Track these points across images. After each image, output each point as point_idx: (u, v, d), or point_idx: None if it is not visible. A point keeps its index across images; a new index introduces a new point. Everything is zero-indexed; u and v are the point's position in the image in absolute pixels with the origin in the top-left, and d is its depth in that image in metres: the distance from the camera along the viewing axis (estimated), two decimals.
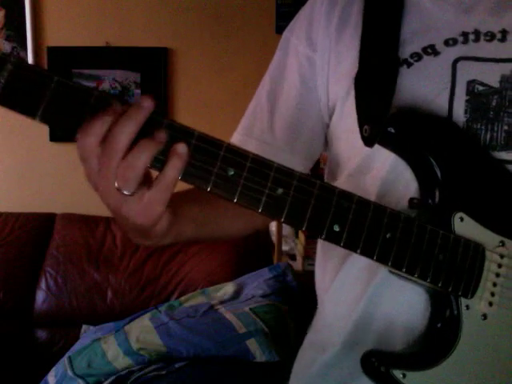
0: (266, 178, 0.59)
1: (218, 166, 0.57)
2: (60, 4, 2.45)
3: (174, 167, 0.55)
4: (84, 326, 2.08)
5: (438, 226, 0.66)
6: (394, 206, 0.67)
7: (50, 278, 2.18)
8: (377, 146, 0.68)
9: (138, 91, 2.45)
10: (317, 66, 0.79)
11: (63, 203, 2.47)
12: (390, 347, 0.73)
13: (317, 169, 0.99)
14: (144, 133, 0.54)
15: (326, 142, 0.84)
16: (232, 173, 0.58)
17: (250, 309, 1.72)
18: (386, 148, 0.69)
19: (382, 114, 0.68)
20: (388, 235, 0.64)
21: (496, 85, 0.70)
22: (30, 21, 2.41)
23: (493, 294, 0.69)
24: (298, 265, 2.31)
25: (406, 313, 0.72)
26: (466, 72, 0.71)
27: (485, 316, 0.69)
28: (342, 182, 0.79)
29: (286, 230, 2.45)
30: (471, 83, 0.71)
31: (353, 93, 0.73)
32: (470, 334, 0.68)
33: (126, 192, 0.54)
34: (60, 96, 0.53)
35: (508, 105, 0.70)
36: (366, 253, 0.64)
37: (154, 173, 0.57)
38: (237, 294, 1.89)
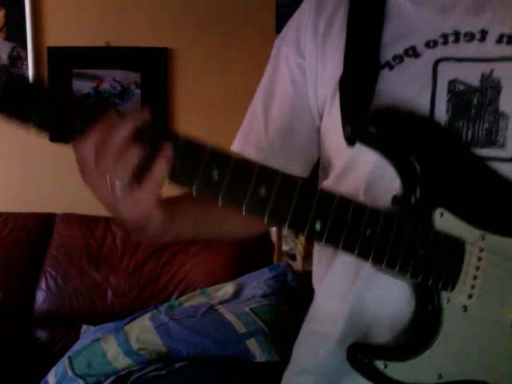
0: (248, 179, 0.62)
1: (202, 168, 0.61)
2: (60, 4, 2.45)
3: (161, 167, 0.60)
4: (84, 326, 2.08)
5: (419, 222, 0.68)
6: (378, 203, 0.69)
7: (49, 278, 2.18)
8: (361, 146, 0.70)
9: (138, 91, 2.44)
10: (306, 72, 0.82)
11: (63, 203, 2.46)
12: (376, 340, 0.75)
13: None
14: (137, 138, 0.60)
15: None
16: (216, 175, 0.62)
17: (250, 309, 1.72)
18: (368, 147, 0.71)
19: (362, 114, 0.71)
20: (368, 232, 0.66)
21: (477, 84, 0.72)
22: (30, 21, 2.41)
23: (473, 287, 0.71)
24: (298, 265, 2.31)
25: (391, 307, 0.74)
26: (447, 72, 0.73)
27: (465, 308, 0.71)
28: (330, 182, 0.82)
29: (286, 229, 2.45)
30: (452, 82, 0.73)
31: (338, 95, 0.76)
32: (450, 326, 0.70)
33: (118, 190, 0.60)
34: (54, 104, 0.58)
35: (489, 103, 0.72)
36: (347, 249, 0.67)
37: None
38: (237, 294, 1.89)
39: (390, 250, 0.67)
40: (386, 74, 0.74)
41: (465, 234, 0.70)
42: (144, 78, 2.45)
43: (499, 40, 0.73)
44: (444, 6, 0.76)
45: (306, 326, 0.89)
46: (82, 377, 1.63)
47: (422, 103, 0.72)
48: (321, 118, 0.83)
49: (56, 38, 2.45)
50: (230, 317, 1.68)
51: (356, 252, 0.66)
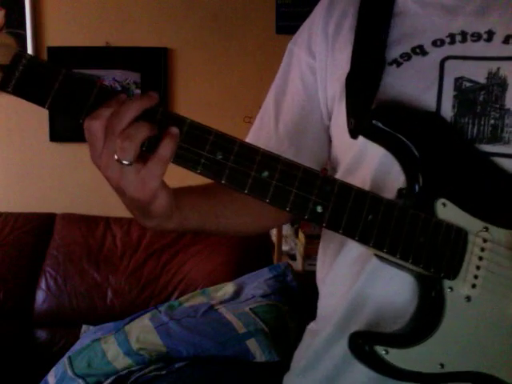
0: (252, 162, 0.64)
1: (207, 149, 0.64)
2: (60, 4, 2.45)
3: (167, 145, 0.62)
4: (84, 326, 2.08)
5: (421, 210, 0.69)
6: (385, 197, 0.70)
7: (49, 278, 2.18)
8: (368, 141, 0.72)
9: (138, 91, 2.44)
10: (317, 73, 0.84)
11: (63, 203, 2.46)
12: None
13: None
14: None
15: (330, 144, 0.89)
16: (220, 156, 0.64)
17: (250, 309, 1.72)
18: (372, 140, 0.72)
19: (366, 107, 0.72)
20: (370, 217, 0.67)
21: (483, 81, 0.73)
22: (30, 21, 2.41)
23: (476, 277, 0.71)
24: (298, 265, 2.31)
25: (395, 302, 0.75)
26: (454, 69, 0.74)
27: (469, 298, 0.71)
28: (339, 178, 0.81)
29: (286, 229, 2.46)
30: (459, 80, 0.74)
31: (345, 92, 0.77)
32: (453, 315, 0.70)
33: (124, 162, 0.61)
34: (67, 87, 0.62)
35: (494, 100, 0.73)
36: (348, 233, 0.68)
37: None
38: (237, 294, 1.88)
39: (391, 236, 0.68)
40: (393, 70, 0.76)
41: (468, 224, 0.71)
42: (144, 78, 2.45)
43: (506, 41, 0.74)
44: (451, 7, 0.77)
45: (311, 326, 0.91)
46: (81, 377, 1.63)
47: (428, 99, 0.74)
48: (330, 118, 0.85)
49: (56, 37, 2.45)
50: (230, 317, 1.68)
51: (357, 237, 0.68)
